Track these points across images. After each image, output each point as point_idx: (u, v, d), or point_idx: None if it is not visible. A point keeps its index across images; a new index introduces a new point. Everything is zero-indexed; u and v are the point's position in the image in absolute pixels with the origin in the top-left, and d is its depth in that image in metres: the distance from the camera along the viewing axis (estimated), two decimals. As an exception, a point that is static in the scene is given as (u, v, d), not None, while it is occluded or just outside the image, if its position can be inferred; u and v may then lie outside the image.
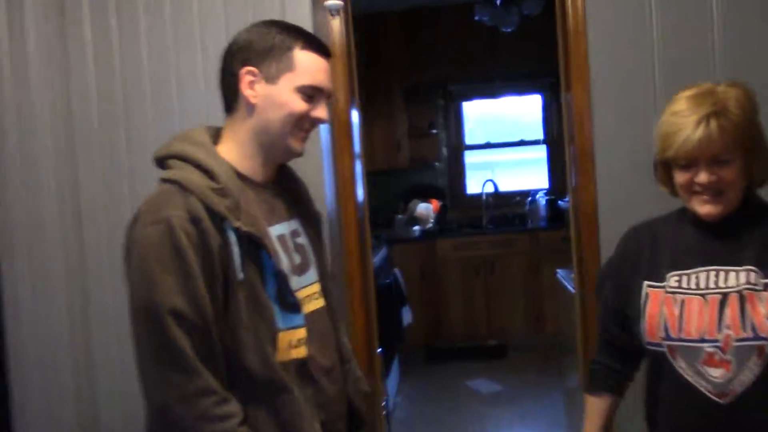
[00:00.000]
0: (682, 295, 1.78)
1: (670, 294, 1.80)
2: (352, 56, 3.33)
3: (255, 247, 1.64)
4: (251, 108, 1.71)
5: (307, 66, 1.70)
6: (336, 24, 3.14)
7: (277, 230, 1.75)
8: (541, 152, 7.40)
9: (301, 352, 1.71)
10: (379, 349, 3.72)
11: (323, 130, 3.06)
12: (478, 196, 7.27)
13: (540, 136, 7.37)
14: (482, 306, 6.74)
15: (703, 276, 1.78)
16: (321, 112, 1.74)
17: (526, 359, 6.44)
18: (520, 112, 7.52)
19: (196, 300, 1.55)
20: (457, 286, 6.63)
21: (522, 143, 7.48)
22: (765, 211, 1.83)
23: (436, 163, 7.26)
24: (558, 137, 6.89)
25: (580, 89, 3.06)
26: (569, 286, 3.74)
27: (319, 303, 1.83)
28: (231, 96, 1.74)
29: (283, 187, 1.85)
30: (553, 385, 5.34)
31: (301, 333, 1.71)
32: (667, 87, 3.03)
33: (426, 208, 6.92)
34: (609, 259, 2.06)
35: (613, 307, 1.96)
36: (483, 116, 7.56)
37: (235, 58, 1.72)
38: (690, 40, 3.00)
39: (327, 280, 1.89)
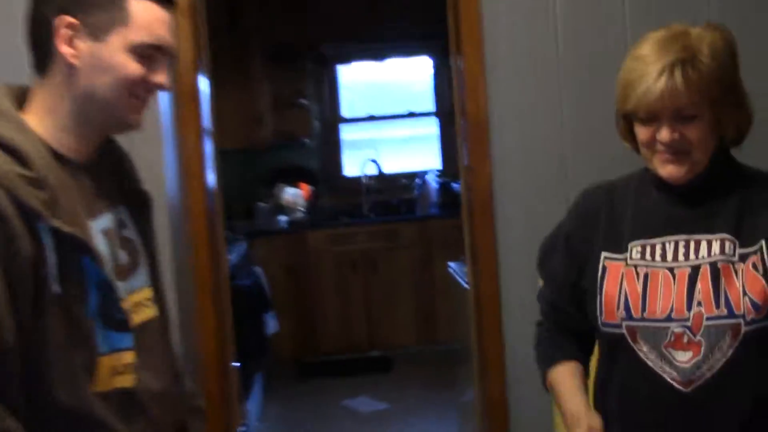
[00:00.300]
0: (645, 268, 1.85)
1: (631, 267, 1.87)
2: (200, 9, 3.30)
3: (76, 251, 1.54)
4: (71, 70, 1.59)
5: (145, 19, 1.60)
6: (178, -32, 3.11)
7: (101, 224, 1.65)
8: (432, 127, 7.51)
9: (127, 380, 1.62)
10: (237, 364, 3.72)
11: (163, 99, 3.02)
12: (358, 179, 7.32)
13: (431, 107, 7.47)
14: (362, 311, 6.80)
15: (670, 246, 1.85)
16: (161, 76, 1.65)
17: (414, 372, 6.54)
18: (407, 80, 7.60)
19: None
20: (332, 287, 6.66)
21: (411, 115, 7.57)
22: (741, 172, 1.90)
23: (306, 140, 7.23)
24: (452, 109, 6.98)
25: (472, 52, 3.13)
26: (463, 282, 3.83)
27: (150, 312, 1.75)
28: (42, 52, 1.61)
29: (105, 165, 1.75)
30: (446, 400, 5.46)
31: (128, 357, 1.62)
32: (569, 49, 3.14)
33: (294, 194, 6.91)
34: (557, 226, 2.11)
35: (564, 282, 2.01)
36: (364, 84, 7.60)
37: (48, 3, 1.59)
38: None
39: (160, 281, 1.82)
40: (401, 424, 5.60)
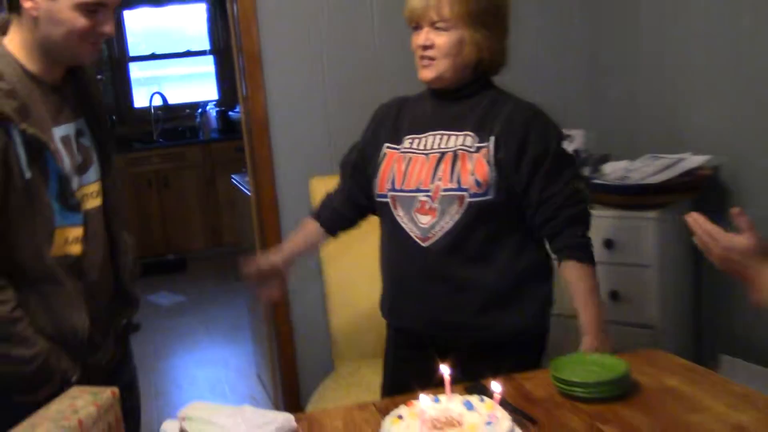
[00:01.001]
0: (410, 154, 2.01)
1: (402, 153, 2.02)
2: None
3: (39, 149, 1.65)
4: (34, 19, 1.66)
5: None
6: None
7: (62, 131, 1.75)
8: (208, 64, 7.34)
9: (75, 249, 1.76)
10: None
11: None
12: (147, 110, 7.07)
13: (207, 46, 7.29)
14: (159, 221, 6.67)
15: (431, 139, 2.01)
16: (107, 27, 1.69)
17: (206, 270, 6.52)
18: (185, 23, 7.36)
19: None
20: (132, 202, 6.45)
21: (188, 54, 7.36)
22: (494, 91, 2.03)
23: (99, 76, 6.88)
24: (225, 47, 6.86)
25: (245, -4, 3.09)
26: (245, 190, 3.84)
27: (96, 201, 1.85)
28: (13, 2, 1.67)
29: (74, 85, 1.82)
30: (235, 290, 5.49)
31: (78, 231, 1.76)
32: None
33: (91, 124, 6.58)
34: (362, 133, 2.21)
35: (357, 165, 2.15)
36: (147, 27, 7.27)
37: None
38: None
39: (109, 179, 1.89)
40: (198, 312, 5.59)
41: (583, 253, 1.98)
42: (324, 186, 2.36)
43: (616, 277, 2.81)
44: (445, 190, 1.94)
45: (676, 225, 2.88)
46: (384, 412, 1.51)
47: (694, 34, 2.96)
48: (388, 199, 2.01)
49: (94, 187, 1.85)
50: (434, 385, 1.59)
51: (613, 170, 2.95)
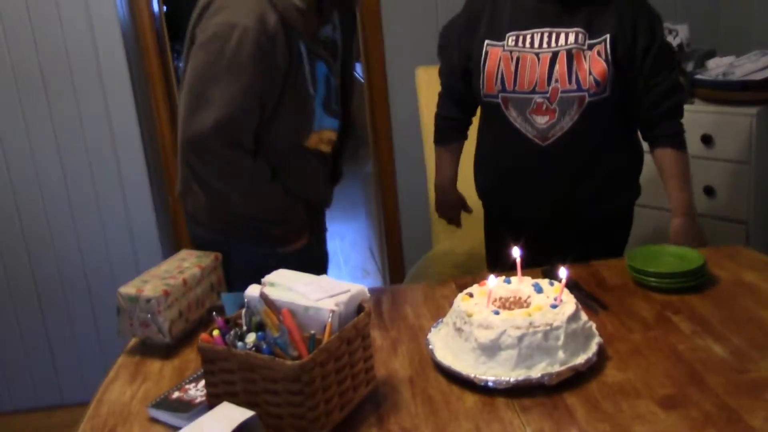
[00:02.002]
0: (518, 53, 1.86)
1: (507, 51, 1.87)
2: None
3: (315, 59, 1.71)
4: None
5: None
6: None
7: (323, 32, 1.79)
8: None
9: (326, 148, 1.85)
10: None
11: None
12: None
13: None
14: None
15: (537, 36, 1.85)
16: None
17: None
18: None
19: (247, 115, 1.65)
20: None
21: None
22: None
23: None
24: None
25: None
26: (360, 76, 3.79)
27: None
28: None
29: None
30: (353, 172, 5.51)
31: (332, 135, 1.84)
32: None
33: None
34: (451, 20, 2.08)
35: (457, 64, 2.01)
36: None
37: None
38: None
39: (346, 78, 1.93)
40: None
41: (680, 141, 1.90)
42: (428, 76, 2.28)
43: (712, 172, 2.63)
44: (564, 91, 1.82)
45: (777, 123, 2.66)
46: (462, 288, 1.48)
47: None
48: (499, 100, 1.89)
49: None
50: (532, 264, 1.56)
51: (718, 65, 2.71)
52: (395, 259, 3.42)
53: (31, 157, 2.90)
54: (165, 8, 3.35)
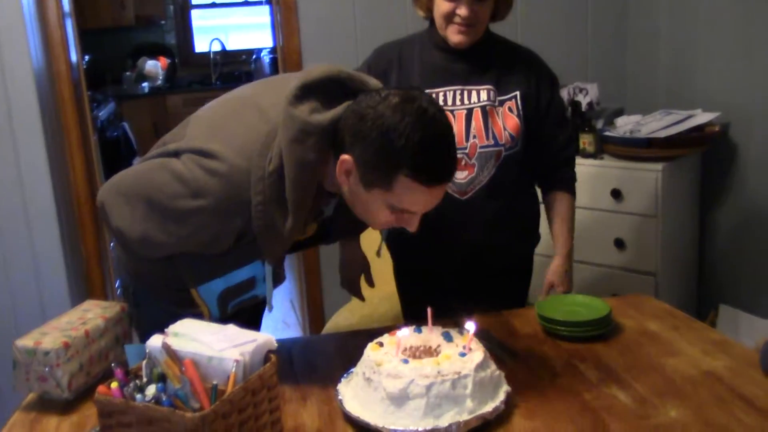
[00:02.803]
0: None
1: None
2: None
3: None
4: None
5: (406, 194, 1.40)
6: None
7: None
8: (265, 14, 7.26)
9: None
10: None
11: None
12: (207, 54, 7.03)
13: (264, -3, 7.22)
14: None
15: (450, 93, 1.89)
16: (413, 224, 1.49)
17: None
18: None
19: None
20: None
21: (246, 3, 7.28)
22: (500, 42, 1.96)
23: (163, 21, 6.86)
24: (279, -2, 6.76)
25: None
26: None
27: None
28: None
29: None
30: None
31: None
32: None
33: (154, 65, 6.56)
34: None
35: None
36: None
37: None
38: None
39: None
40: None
41: (573, 187, 2.00)
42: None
43: (622, 226, 2.72)
44: (483, 146, 1.87)
45: (682, 178, 2.78)
46: (374, 338, 1.47)
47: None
48: None
49: None
50: (443, 315, 1.54)
51: (625, 123, 2.83)
52: (315, 311, 3.39)
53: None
54: (86, 57, 3.30)
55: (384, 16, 3.13)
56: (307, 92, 1.38)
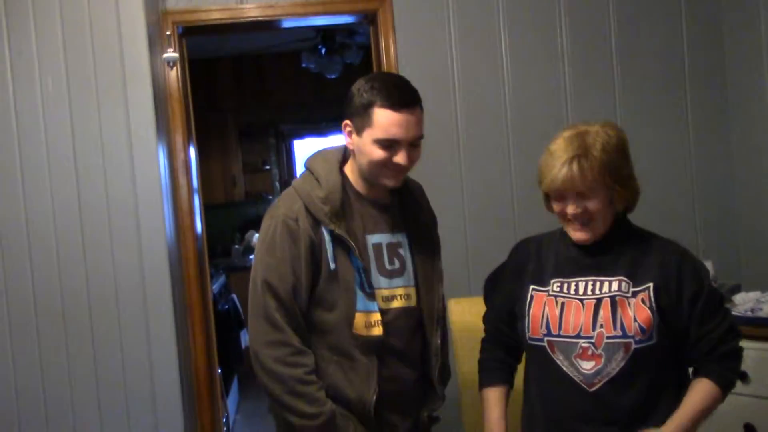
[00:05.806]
0: (562, 298, 1.89)
1: (552, 297, 1.90)
2: (188, 99, 3.31)
3: (346, 246, 1.89)
4: (352, 152, 1.97)
5: (383, 121, 1.87)
6: (173, 74, 3.12)
7: (374, 239, 1.96)
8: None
9: (376, 331, 1.91)
10: (219, 370, 3.68)
11: (163, 167, 3.02)
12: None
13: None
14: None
15: (582, 284, 1.89)
16: (401, 158, 1.88)
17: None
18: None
19: (284, 277, 1.85)
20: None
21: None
22: (633, 232, 1.95)
23: (270, 196, 7.23)
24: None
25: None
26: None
27: (405, 302, 2.00)
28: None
29: (402, 205, 2.05)
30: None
31: (377, 316, 1.92)
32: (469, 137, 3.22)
33: (261, 238, 6.85)
34: (494, 271, 2.13)
35: (502, 308, 2.05)
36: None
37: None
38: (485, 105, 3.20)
39: (424, 286, 2.04)
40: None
41: (719, 377, 1.85)
42: (462, 308, 2.32)
43: (751, 410, 2.58)
44: (609, 337, 1.83)
45: (812, 359, 2.65)
46: None
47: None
48: (545, 344, 1.90)
49: (404, 291, 2.00)
50: None
51: (744, 301, 2.76)
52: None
53: (69, 383, 2.93)
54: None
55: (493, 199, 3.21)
56: None
